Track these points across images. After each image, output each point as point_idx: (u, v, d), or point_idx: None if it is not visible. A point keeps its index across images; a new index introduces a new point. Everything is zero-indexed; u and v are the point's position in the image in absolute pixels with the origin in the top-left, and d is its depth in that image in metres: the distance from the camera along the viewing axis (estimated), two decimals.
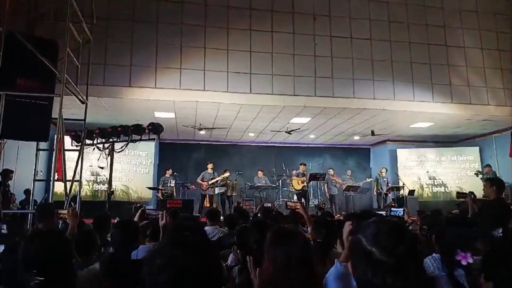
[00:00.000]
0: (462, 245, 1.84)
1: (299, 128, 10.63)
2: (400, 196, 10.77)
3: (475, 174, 10.93)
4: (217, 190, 10.20)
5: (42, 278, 1.62)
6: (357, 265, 1.09)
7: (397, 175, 11.58)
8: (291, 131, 10.80)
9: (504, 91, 9.21)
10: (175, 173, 10.64)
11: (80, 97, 6.43)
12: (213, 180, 10.09)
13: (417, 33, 9.15)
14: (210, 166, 10.28)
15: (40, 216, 3.31)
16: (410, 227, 3.91)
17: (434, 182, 12.20)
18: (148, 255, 1.11)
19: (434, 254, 2.31)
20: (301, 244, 1.69)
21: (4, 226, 2.78)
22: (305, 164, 10.73)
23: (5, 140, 5.83)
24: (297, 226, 3.87)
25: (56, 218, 3.30)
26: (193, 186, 10.45)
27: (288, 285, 1.58)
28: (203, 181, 10.12)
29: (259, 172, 10.97)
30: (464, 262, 1.75)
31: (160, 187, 10.27)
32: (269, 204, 8.00)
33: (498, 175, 10.42)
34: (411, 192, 10.65)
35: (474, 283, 1.75)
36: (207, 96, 8.04)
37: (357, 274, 1.08)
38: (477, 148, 12.05)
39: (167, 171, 10.47)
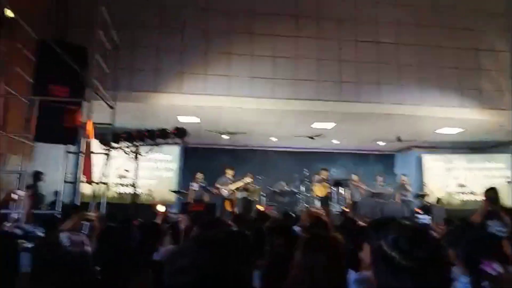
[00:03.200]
0: (484, 252, 1.75)
1: (322, 134, 10.54)
2: (427, 204, 10.46)
3: (508, 182, 10.48)
4: (239, 195, 10.23)
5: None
6: (378, 270, 1.07)
7: (424, 182, 11.27)
8: (315, 136, 10.71)
9: None
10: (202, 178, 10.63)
11: (108, 102, 6.62)
12: (235, 185, 10.10)
13: (445, 36, 8.92)
14: (229, 172, 10.26)
15: (65, 217, 3.41)
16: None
17: (462, 190, 11.80)
18: (170, 256, 1.11)
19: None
20: (333, 252, 1.67)
21: (41, 229, 2.88)
22: (326, 170, 10.60)
23: (37, 143, 6.06)
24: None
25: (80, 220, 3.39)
26: (216, 190, 10.50)
27: None
28: (222, 185, 10.12)
29: (282, 183, 10.92)
30: (490, 272, 1.65)
31: (184, 191, 10.37)
32: (290, 212, 7.95)
33: None
34: (438, 200, 10.34)
35: None
36: (231, 101, 8.10)
37: (378, 279, 1.07)
38: (510, 156, 11.57)
39: (197, 175, 10.48)
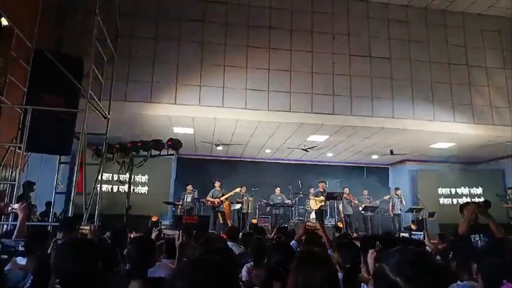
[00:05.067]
0: (502, 273, 1.78)
1: (316, 146, 10.58)
2: (420, 218, 10.50)
3: (496, 195, 10.57)
4: (233, 207, 10.18)
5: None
6: None
7: (417, 196, 11.32)
8: (308, 148, 10.75)
9: None
10: (192, 189, 10.63)
11: (102, 112, 6.59)
12: (226, 196, 10.06)
13: (438, 52, 9.09)
14: (217, 184, 10.25)
15: (61, 227, 3.37)
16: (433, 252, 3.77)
17: (454, 203, 11.86)
18: (169, 277, 1.11)
19: (459, 282, 2.23)
20: (328, 268, 1.67)
21: (22, 243, 2.81)
22: (324, 182, 10.64)
23: (29, 152, 5.99)
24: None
25: (76, 233, 3.35)
26: (209, 202, 10.44)
27: None
28: (213, 198, 10.10)
29: (277, 189, 10.93)
30: None
31: (177, 202, 10.31)
32: (286, 225, 7.94)
33: None
34: (432, 214, 10.37)
35: None
36: (225, 113, 8.13)
37: None
38: (501, 170, 11.71)
39: (187, 186, 10.48)
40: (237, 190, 10.17)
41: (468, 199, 11.72)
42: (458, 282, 2.23)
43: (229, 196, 10.08)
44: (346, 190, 10.88)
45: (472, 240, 3.42)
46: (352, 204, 10.83)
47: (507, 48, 9.37)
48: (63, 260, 1.77)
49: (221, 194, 10.11)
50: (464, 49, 9.24)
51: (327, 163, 13.00)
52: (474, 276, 1.93)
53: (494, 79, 9.15)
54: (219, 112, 8.09)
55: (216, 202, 10.00)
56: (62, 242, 2.20)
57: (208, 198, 10.17)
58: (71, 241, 2.07)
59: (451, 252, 2.58)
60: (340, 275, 2.55)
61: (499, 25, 9.53)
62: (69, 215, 5.31)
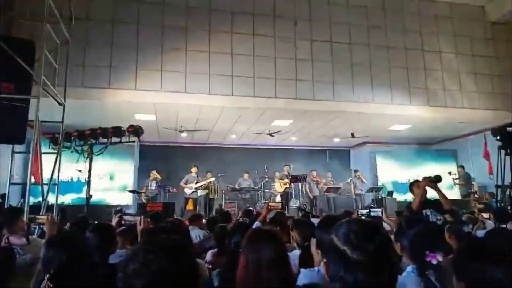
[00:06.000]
0: (429, 244, 1.86)
1: (280, 131, 10.71)
2: (379, 197, 10.96)
3: (448, 173, 11.19)
4: (199, 193, 10.16)
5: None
6: (330, 263, 1.12)
7: (376, 176, 11.79)
8: (273, 133, 10.86)
9: (478, 95, 9.53)
10: (156, 175, 10.48)
11: (57, 99, 6.31)
12: (198, 184, 10.04)
13: (395, 38, 9.37)
14: (194, 170, 10.21)
15: (5, 222, 3.19)
16: (388, 228, 3.96)
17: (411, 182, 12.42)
18: (122, 260, 1.11)
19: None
20: (274, 245, 1.71)
21: None
22: (289, 165, 10.81)
23: None
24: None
25: (24, 223, 3.23)
26: (174, 189, 10.36)
27: (260, 286, 1.61)
28: (186, 184, 10.06)
29: (245, 174, 11.01)
30: (434, 262, 1.77)
31: (141, 191, 10.15)
32: (250, 208, 8.04)
33: (472, 176, 10.77)
34: (390, 193, 10.86)
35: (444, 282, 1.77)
36: (188, 98, 8.02)
37: (330, 272, 1.11)
38: (454, 150, 12.38)
39: (151, 173, 10.33)
40: (212, 179, 10.15)
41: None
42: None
43: (203, 185, 10.05)
44: (314, 173, 11.15)
45: (424, 214, 3.63)
46: (321, 185, 11.10)
47: (459, 34, 9.81)
48: (51, 256, 1.83)
49: (196, 181, 10.06)
50: (419, 35, 9.57)
51: (292, 147, 13.22)
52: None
53: (447, 64, 9.58)
54: (181, 98, 7.97)
55: (188, 189, 9.96)
56: (49, 239, 2.20)
57: (181, 184, 10.10)
58: (58, 237, 2.13)
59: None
60: (297, 252, 2.65)
61: (452, 11, 9.93)
62: (26, 206, 5.10)
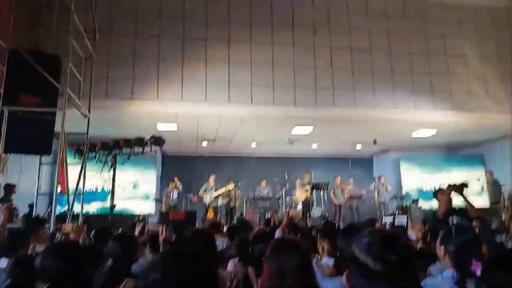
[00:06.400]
0: (475, 254, 1.82)
1: (301, 138, 10.65)
2: (404, 205, 10.69)
3: (477, 180, 10.85)
4: (220, 202, 10.18)
5: None
6: (352, 274, 1.10)
7: (401, 183, 11.52)
8: (293, 141, 10.81)
9: (505, 97, 9.21)
10: (177, 185, 10.58)
11: (82, 111, 6.49)
12: (217, 192, 10.07)
13: (417, 43, 9.20)
14: (212, 178, 10.26)
15: (31, 230, 3.26)
16: (413, 237, 3.84)
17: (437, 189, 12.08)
18: (143, 270, 1.11)
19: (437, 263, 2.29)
20: (298, 254, 1.70)
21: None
22: (310, 173, 10.73)
23: (9, 154, 5.88)
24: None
25: (46, 232, 3.30)
26: (195, 197, 10.43)
27: None
28: (205, 193, 10.11)
29: (262, 182, 10.98)
30: (478, 272, 1.70)
31: (162, 199, 10.27)
32: (269, 216, 8.01)
33: (501, 182, 10.36)
34: (415, 201, 10.58)
35: None
36: (208, 108, 8.10)
37: (351, 283, 1.10)
38: (481, 155, 11.99)
39: (171, 183, 10.44)
40: (230, 187, 10.17)
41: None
42: (437, 263, 2.29)
43: (221, 193, 10.08)
44: (338, 178, 11.00)
45: (450, 222, 3.51)
46: (346, 192, 10.93)
47: (484, 37, 9.55)
48: (50, 264, 1.78)
49: (214, 189, 10.11)
50: (442, 39, 9.37)
51: (313, 156, 13.10)
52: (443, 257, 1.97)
53: (472, 68, 9.33)
54: (202, 107, 8.06)
55: (205, 199, 10.00)
56: (48, 247, 2.20)
57: (200, 193, 10.17)
58: (56, 246, 2.07)
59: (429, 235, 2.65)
60: (331, 260, 2.60)
61: (475, 15, 9.69)
62: (53, 215, 5.24)
